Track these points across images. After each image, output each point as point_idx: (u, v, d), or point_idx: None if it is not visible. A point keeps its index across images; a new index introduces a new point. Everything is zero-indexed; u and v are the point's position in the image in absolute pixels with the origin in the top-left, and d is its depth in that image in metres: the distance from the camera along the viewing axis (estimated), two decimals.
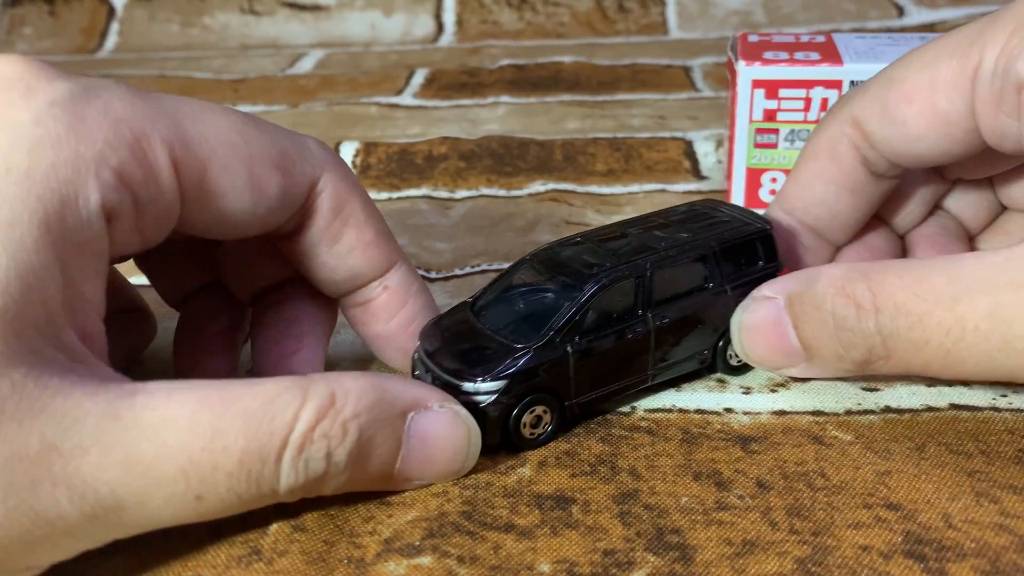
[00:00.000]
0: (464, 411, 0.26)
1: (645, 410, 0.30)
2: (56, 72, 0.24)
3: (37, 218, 0.21)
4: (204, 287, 0.33)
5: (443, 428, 0.26)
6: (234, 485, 0.22)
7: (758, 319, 0.28)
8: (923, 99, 0.28)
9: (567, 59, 0.75)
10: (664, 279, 0.29)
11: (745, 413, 0.30)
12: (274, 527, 0.25)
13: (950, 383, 0.30)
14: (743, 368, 0.31)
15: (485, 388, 0.27)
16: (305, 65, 0.78)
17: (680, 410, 0.30)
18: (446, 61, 0.76)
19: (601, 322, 0.28)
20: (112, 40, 0.86)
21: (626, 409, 0.30)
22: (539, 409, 0.28)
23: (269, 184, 0.26)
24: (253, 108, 0.65)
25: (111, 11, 0.87)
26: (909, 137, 0.29)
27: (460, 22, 0.85)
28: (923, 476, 0.26)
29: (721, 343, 0.30)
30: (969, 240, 0.35)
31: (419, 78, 0.72)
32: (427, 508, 0.26)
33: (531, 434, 0.28)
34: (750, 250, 0.30)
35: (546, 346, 0.27)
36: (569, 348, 0.27)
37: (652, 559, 0.23)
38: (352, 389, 0.24)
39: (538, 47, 0.80)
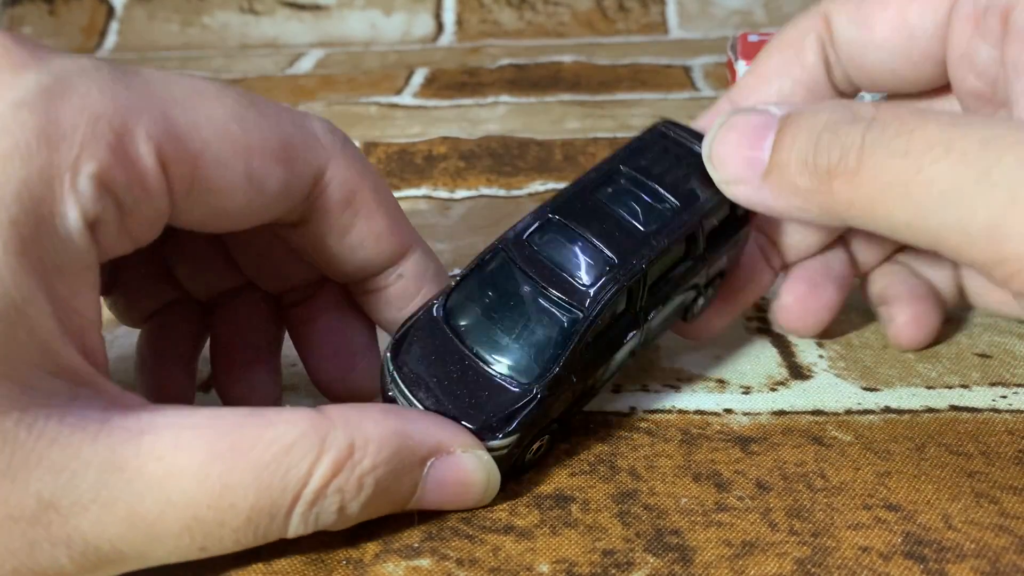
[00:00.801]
0: (487, 456, 0.24)
1: (645, 411, 0.30)
2: (26, 55, 0.21)
3: (12, 245, 0.19)
4: (167, 303, 0.31)
5: (463, 474, 0.24)
6: (240, 539, 0.21)
7: (746, 118, 0.26)
8: (898, 6, 0.27)
9: (567, 59, 0.74)
10: (654, 271, 0.26)
11: (745, 414, 0.30)
12: None
13: (949, 385, 0.30)
14: (698, 315, 0.30)
15: (497, 445, 0.25)
16: (305, 65, 0.78)
17: (680, 411, 0.30)
18: (446, 61, 0.76)
19: (598, 336, 0.26)
20: (111, 39, 0.86)
21: (625, 410, 0.30)
22: (543, 438, 0.26)
23: (268, 178, 0.24)
24: None
25: (111, 10, 0.87)
26: (870, 43, 0.28)
27: (460, 22, 0.85)
28: (923, 477, 0.26)
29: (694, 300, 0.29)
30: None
31: (419, 78, 0.72)
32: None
33: (532, 457, 0.27)
34: (727, 209, 0.28)
35: (553, 383, 0.25)
36: (574, 378, 0.26)
37: (651, 560, 0.23)
38: (373, 438, 0.22)
39: (538, 47, 0.80)
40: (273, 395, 0.30)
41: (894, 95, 0.30)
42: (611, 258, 0.25)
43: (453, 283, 0.27)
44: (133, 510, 0.20)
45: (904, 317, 0.32)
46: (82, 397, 0.21)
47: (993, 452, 0.27)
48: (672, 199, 0.27)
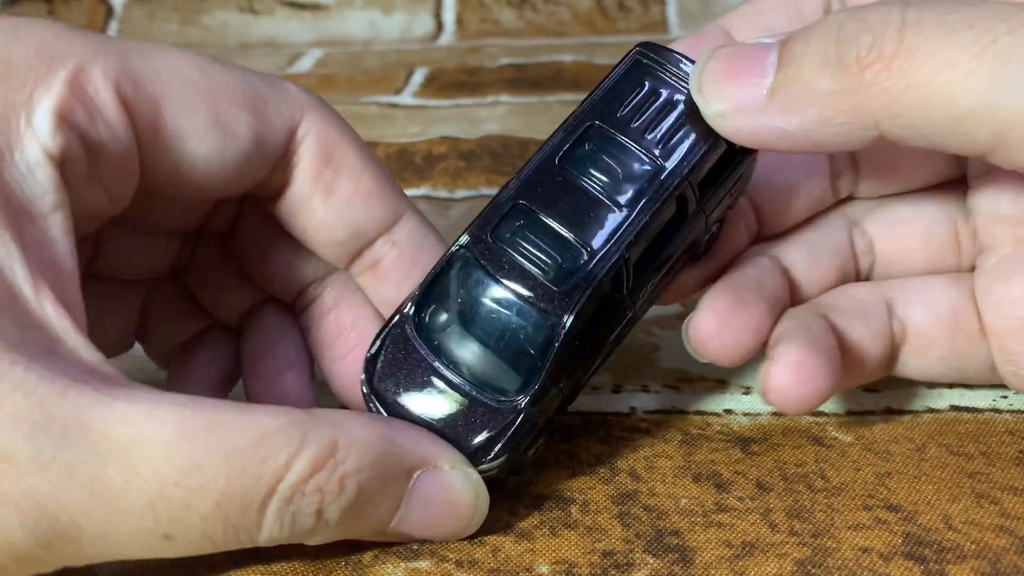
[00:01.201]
0: (476, 474, 0.23)
1: (645, 411, 0.30)
2: None
3: None
4: (197, 332, 0.31)
5: (450, 492, 0.23)
6: (208, 529, 0.20)
7: (738, 47, 0.23)
8: None
9: (567, 58, 0.74)
10: (638, 244, 0.24)
11: (745, 414, 0.30)
12: None
13: (950, 385, 0.30)
14: (706, 253, 0.28)
15: (485, 468, 0.24)
16: (304, 64, 0.77)
17: (680, 411, 0.30)
18: (446, 60, 0.76)
19: (583, 330, 0.24)
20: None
21: (625, 410, 0.30)
22: (539, 442, 0.26)
23: (237, 124, 0.23)
24: None
25: (110, 10, 0.87)
26: None
27: (460, 21, 0.85)
28: (923, 477, 0.26)
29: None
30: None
31: (418, 77, 0.72)
32: None
33: (530, 458, 0.26)
34: (725, 155, 0.25)
35: (538, 395, 0.24)
36: (561, 383, 0.24)
37: (651, 561, 0.23)
38: (358, 439, 0.21)
39: (538, 46, 0.80)
40: (306, 402, 0.29)
41: None
42: (586, 249, 0.23)
43: (418, 291, 0.25)
44: (95, 477, 0.18)
45: (781, 362, 0.25)
46: (56, 355, 0.19)
47: (994, 452, 0.27)
48: (653, 159, 0.24)
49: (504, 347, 0.24)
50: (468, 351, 0.24)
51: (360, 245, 0.27)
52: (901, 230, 0.28)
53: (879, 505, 0.25)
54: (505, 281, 0.23)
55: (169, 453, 0.19)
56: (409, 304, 0.25)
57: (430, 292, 0.25)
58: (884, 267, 0.29)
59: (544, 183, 0.24)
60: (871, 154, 0.28)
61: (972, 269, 0.28)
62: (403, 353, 0.25)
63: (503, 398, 0.24)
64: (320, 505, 0.21)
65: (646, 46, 0.25)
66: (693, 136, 0.24)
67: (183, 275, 0.30)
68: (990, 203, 0.27)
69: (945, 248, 0.28)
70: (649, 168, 0.24)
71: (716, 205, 0.26)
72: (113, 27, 0.86)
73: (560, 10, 0.85)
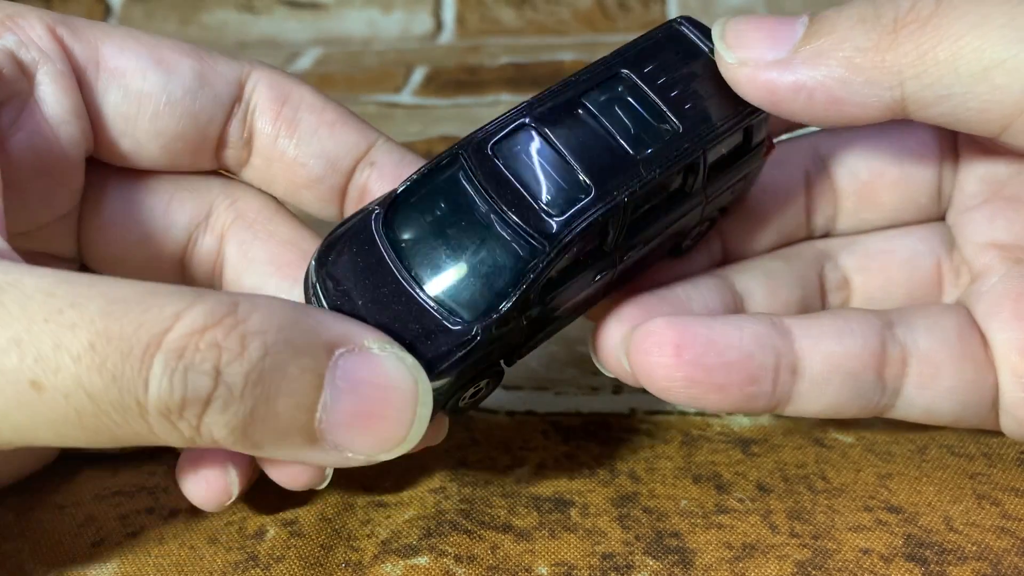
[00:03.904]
0: (412, 359, 0.20)
1: (645, 412, 0.30)
2: None
3: None
4: None
5: (382, 374, 0.20)
6: (83, 377, 0.17)
7: (769, 15, 0.23)
8: None
9: (568, 57, 0.74)
10: (640, 202, 0.23)
11: (745, 415, 0.29)
12: (271, 532, 0.25)
13: None
14: (691, 246, 0.26)
15: None
16: (303, 63, 0.77)
17: (680, 412, 0.30)
18: (445, 59, 0.76)
19: (561, 276, 0.22)
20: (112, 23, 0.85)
21: (625, 411, 0.30)
22: (481, 383, 0.23)
23: (179, 64, 0.24)
24: None
25: (108, 9, 0.87)
26: None
27: (460, 19, 0.85)
28: (924, 479, 0.26)
29: (685, 243, 0.26)
30: None
31: (418, 76, 0.71)
32: (424, 506, 0.25)
33: (468, 403, 0.24)
34: (739, 137, 0.24)
35: (497, 324, 0.21)
36: (524, 321, 0.22)
37: (651, 563, 0.23)
38: (262, 304, 0.19)
39: (538, 45, 0.80)
40: None
41: None
42: (588, 185, 0.22)
43: (399, 187, 0.23)
44: None
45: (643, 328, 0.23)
46: None
47: (995, 454, 0.27)
48: (674, 119, 0.23)
49: (475, 265, 0.22)
50: (436, 261, 0.22)
51: (340, 179, 0.26)
52: (882, 263, 0.27)
53: (880, 506, 0.25)
54: (494, 197, 0.22)
55: (42, 293, 0.18)
56: (385, 199, 0.23)
57: (410, 191, 0.23)
58: (863, 303, 0.27)
59: (560, 112, 0.23)
60: (854, 183, 0.27)
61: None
62: (363, 248, 0.22)
63: (458, 319, 0.21)
64: (218, 363, 0.18)
65: (686, 19, 0.25)
66: (717, 110, 0.23)
67: None
68: (982, 232, 0.26)
69: (927, 282, 0.27)
70: (668, 128, 0.23)
71: (717, 193, 0.25)
72: None
73: (560, 9, 0.85)
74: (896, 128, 0.27)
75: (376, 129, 0.27)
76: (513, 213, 0.21)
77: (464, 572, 0.23)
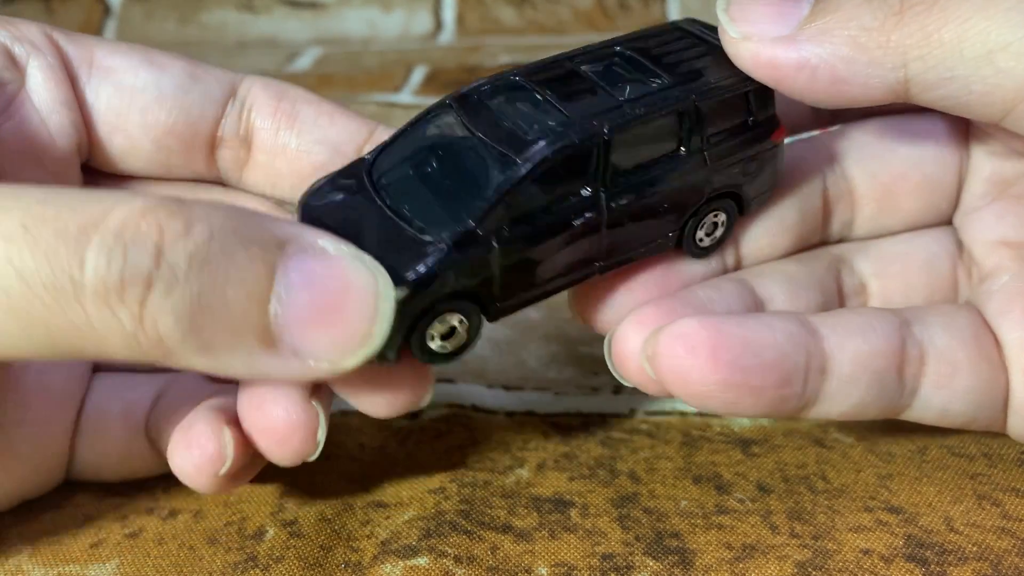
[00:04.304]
0: (371, 259, 0.20)
1: (645, 412, 0.30)
2: None
3: None
4: None
5: (338, 269, 0.19)
6: (14, 256, 0.17)
7: None
8: None
9: None
10: (626, 146, 0.22)
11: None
12: (270, 533, 0.25)
13: None
14: (711, 249, 0.25)
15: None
16: (303, 63, 0.77)
17: (680, 413, 0.30)
18: (445, 58, 0.76)
19: (540, 205, 0.22)
20: (108, 37, 0.85)
21: (625, 411, 0.30)
22: (452, 318, 0.22)
23: (170, 65, 0.25)
24: None
25: (107, 8, 0.87)
26: None
27: (460, 19, 0.85)
28: (925, 479, 0.26)
29: (691, 224, 0.24)
30: None
31: (418, 75, 0.71)
32: (424, 507, 0.25)
33: (442, 347, 0.22)
34: (740, 105, 0.24)
35: (465, 239, 0.21)
36: (495, 241, 0.21)
37: (651, 563, 0.23)
38: (206, 201, 0.19)
39: (539, 44, 0.80)
40: None
41: None
42: (570, 119, 0.22)
43: (389, 137, 0.24)
44: None
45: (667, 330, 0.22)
46: None
47: (995, 454, 0.27)
48: (665, 76, 0.23)
49: (451, 191, 0.21)
50: (416, 194, 0.22)
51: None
52: (901, 266, 0.27)
53: (880, 507, 0.25)
54: (475, 130, 0.22)
55: None
56: (376, 148, 0.24)
57: (398, 138, 0.24)
58: (885, 305, 0.26)
59: (549, 72, 0.23)
60: (875, 187, 0.27)
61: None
62: (349, 188, 0.23)
63: (425, 233, 0.21)
64: (160, 241, 0.17)
65: (693, 20, 0.25)
66: (712, 73, 0.23)
67: None
68: (992, 230, 0.26)
69: (946, 285, 0.27)
70: (658, 81, 0.23)
71: (720, 161, 0.24)
72: (111, 26, 0.86)
73: (560, 8, 0.85)
74: (914, 127, 0.26)
75: (373, 122, 0.27)
76: (491, 140, 0.22)
77: (464, 573, 0.23)
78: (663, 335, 0.22)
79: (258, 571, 0.24)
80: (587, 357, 0.32)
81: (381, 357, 0.20)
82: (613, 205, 0.22)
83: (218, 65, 0.26)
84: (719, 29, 0.23)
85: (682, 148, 0.23)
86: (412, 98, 0.66)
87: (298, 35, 0.84)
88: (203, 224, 0.18)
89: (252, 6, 0.86)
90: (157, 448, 0.26)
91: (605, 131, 0.21)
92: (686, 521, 0.25)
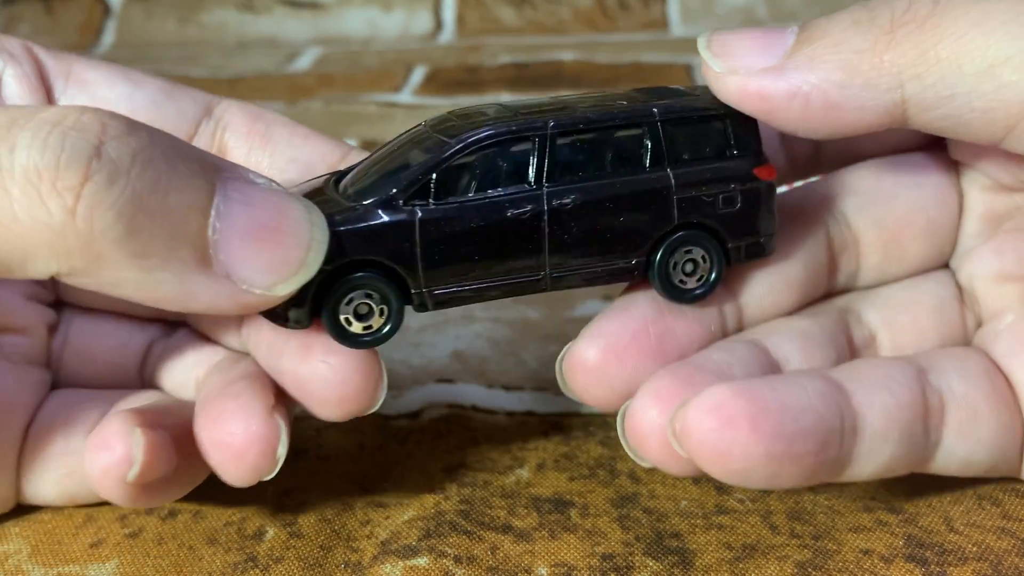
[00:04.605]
0: (299, 194, 0.21)
1: None
2: None
3: None
4: None
5: (273, 198, 0.20)
6: None
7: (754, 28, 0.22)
8: None
9: (568, 56, 0.74)
10: (575, 147, 0.22)
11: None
12: (270, 533, 0.25)
13: None
14: (699, 294, 0.24)
15: None
16: (303, 63, 0.77)
17: None
18: (445, 58, 0.76)
19: (473, 186, 0.22)
20: (108, 37, 0.85)
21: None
22: (370, 299, 0.22)
23: (145, 81, 0.26)
24: None
25: (107, 8, 0.87)
26: None
27: (460, 19, 0.85)
28: (925, 479, 0.26)
29: (660, 253, 0.23)
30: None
31: (418, 75, 0.71)
32: (424, 507, 0.25)
33: (361, 330, 0.22)
34: (715, 132, 0.23)
35: (383, 204, 0.21)
36: (419, 212, 0.21)
37: (651, 563, 0.23)
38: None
39: (539, 44, 0.80)
40: None
41: None
42: (522, 119, 0.22)
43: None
44: None
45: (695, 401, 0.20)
46: None
47: None
48: (637, 97, 0.24)
49: (395, 168, 0.23)
50: (363, 178, 0.23)
51: None
52: (911, 315, 0.25)
53: (880, 507, 0.25)
54: (435, 130, 0.23)
55: None
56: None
57: (369, 156, 0.25)
58: (896, 355, 0.25)
59: (533, 102, 0.24)
60: (880, 234, 0.25)
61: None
62: (315, 187, 0.24)
63: (354, 201, 0.22)
64: (101, 135, 0.17)
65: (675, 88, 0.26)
66: (690, 99, 0.23)
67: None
68: (991, 265, 0.25)
69: (955, 328, 0.26)
70: (625, 102, 0.23)
71: (688, 182, 0.23)
72: (110, 27, 0.86)
73: (560, 9, 0.85)
74: (908, 167, 0.26)
75: (348, 145, 0.27)
76: (441, 134, 0.23)
77: (464, 573, 0.23)
78: (693, 408, 0.20)
79: (258, 571, 0.24)
80: None
81: (295, 321, 0.21)
82: (555, 203, 0.22)
83: (218, 65, 0.27)
84: (702, 66, 0.22)
85: (644, 164, 0.23)
86: (412, 98, 0.66)
87: (298, 35, 0.84)
88: (145, 131, 0.18)
89: (252, 6, 0.86)
90: None
91: (550, 125, 0.22)
92: (686, 521, 0.25)
